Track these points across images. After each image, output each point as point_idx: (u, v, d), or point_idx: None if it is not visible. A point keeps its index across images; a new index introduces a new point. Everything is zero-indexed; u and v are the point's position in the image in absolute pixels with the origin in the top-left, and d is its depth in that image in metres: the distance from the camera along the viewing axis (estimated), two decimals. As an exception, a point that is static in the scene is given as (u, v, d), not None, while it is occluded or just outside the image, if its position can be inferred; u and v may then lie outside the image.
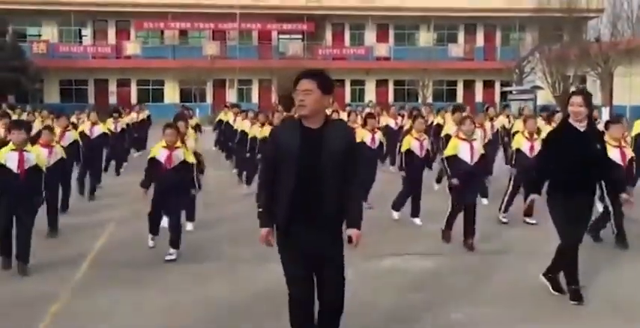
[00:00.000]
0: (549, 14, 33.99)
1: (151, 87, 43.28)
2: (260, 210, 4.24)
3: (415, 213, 9.30)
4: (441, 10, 42.23)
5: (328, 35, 44.22)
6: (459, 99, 42.93)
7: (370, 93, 43.29)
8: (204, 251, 7.79)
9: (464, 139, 8.08)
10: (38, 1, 38.51)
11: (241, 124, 13.54)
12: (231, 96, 42.50)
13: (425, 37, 44.66)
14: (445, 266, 7.13)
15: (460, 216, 7.92)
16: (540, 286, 6.17)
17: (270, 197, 4.15)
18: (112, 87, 42.86)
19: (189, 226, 8.75)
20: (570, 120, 5.74)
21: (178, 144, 7.70)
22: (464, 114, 11.32)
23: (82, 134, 11.82)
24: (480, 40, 45.21)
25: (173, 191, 7.56)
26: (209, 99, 42.44)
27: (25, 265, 6.84)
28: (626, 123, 9.75)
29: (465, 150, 8.01)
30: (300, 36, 43.87)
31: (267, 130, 10.81)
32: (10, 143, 6.99)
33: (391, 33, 44.65)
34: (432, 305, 5.77)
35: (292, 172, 4.00)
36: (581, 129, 5.69)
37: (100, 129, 12.61)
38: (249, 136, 11.88)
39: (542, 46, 35.14)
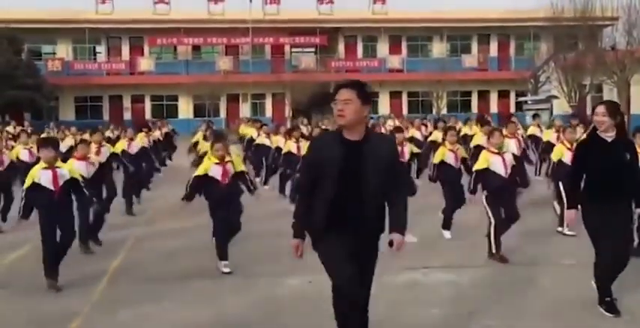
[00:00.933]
0: (564, 23, 33.76)
1: (165, 102, 43.44)
2: (294, 220, 4.22)
3: (448, 225, 9.15)
4: (453, 21, 42.19)
5: (341, 48, 44.25)
6: (474, 109, 42.67)
7: (384, 106, 43.17)
8: (231, 266, 7.63)
9: (495, 153, 7.93)
10: (53, 19, 38.83)
11: (275, 141, 14.00)
12: (245, 110, 42.58)
13: (438, 48, 44.58)
14: (466, 279, 6.99)
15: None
16: (562, 299, 6.03)
17: (306, 210, 4.14)
18: (127, 104, 43.06)
19: None
20: (598, 131, 5.66)
21: (228, 158, 7.68)
22: (490, 125, 11.33)
23: (124, 152, 12.00)
24: (493, 50, 45.04)
25: (230, 201, 7.60)
26: (223, 113, 42.52)
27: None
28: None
29: (498, 164, 7.85)
30: (312, 49, 43.90)
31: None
32: (41, 161, 7.14)
33: (404, 44, 44.58)
34: (452, 318, 5.66)
35: (332, 184, 3.97)
36: (609, 140, 5.62)
37: (138, 143, 12.70)
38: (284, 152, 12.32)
39: (557, 55, 34.87)
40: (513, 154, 8.75)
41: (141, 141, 13.22)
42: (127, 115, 41.58)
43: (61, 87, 39.71)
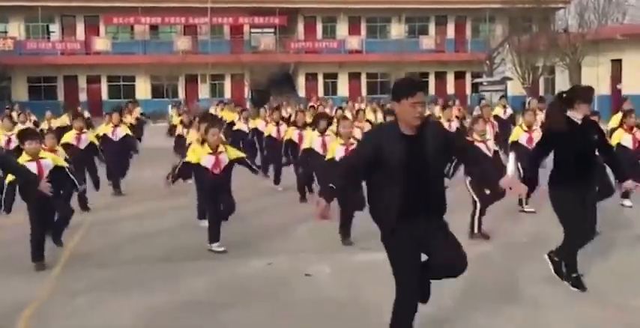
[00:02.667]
0: (518, 6, 34.29)
1: (122, 83, 42.82)
2: (331, 186, 4.37)
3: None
4: (412, 2, 42.39)
5: (300, 28, 44.12)
6: (431, 91, 43.13)
7: (343, 87, 43.36)
8: (189, 250, 7.81)
9: (479, 141, 8.10)
10: (4, -4, 37.89)
11: (254, 123, 14.07)
12: (204, 91, 42.29)
13: (396, 30, 44.79)
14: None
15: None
16: (516, 275, 6.33)
17: (348, 181, 4.51)
18: (82, 84, 42.29)
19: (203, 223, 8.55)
20: (569, 114, 5.81)
21: (222, 148, 7.66)
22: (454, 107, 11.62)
23: (105, 137, 11.84)
24: (450, 31, 45.42)
25: (223, 195, 7.66)
26: (181, 94, 42.17)
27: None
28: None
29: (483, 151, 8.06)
30: (272, 30, 43.69)
31: (291, 131, 11.05)
32: (24, 154, 7.13)
33: (363, 25, 44.66)
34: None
35: (399, 179, 4.17)
36: (579, 122, 5.79)
37: (122, 130, 12.30)
38: (265, 135, 12.35)
39: (512, 37, 35.47)
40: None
41: (126, 128, 12.93)
42: (83, 96, 40.91)
43: (12, 67, 38.82)
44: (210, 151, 7.58)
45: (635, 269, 6.64)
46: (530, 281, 6.24)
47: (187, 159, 7.75)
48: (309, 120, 11.95)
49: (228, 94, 42.36)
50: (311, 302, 5.79)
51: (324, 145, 9.36)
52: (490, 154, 8.08)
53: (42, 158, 7.14)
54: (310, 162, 9.67)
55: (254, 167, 8.19)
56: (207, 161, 7.56)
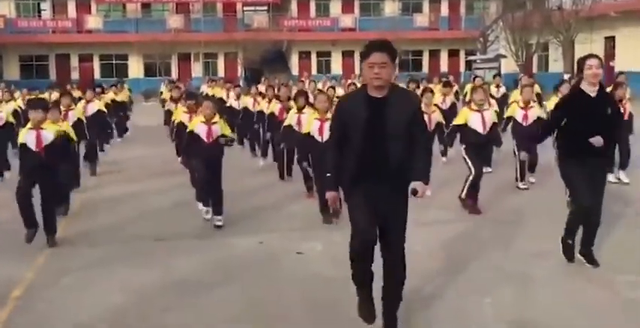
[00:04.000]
0: (512, -17, 34.14)
1: (114, 62, 42.58)
2: (328, 175, 4.39)
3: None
4: (405, -21, 42.14)
5: (293, 6, 43.79)
6: (425, 69, 43.09)
7: (337, 65, 43.19)
8: (179, 227, 7.84)
9: (475, 110, 8.25)
10: (-7, -26, 37.47)
11: (245, 101, 14.00)
12: (197, 69, 42.10)
13: (390, 7, 44.49)
14: (409, 236, 7.25)
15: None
16: (502, 252, 6.42)
17: (338, 164, 4.34)
18: (74, 63, 42.06)
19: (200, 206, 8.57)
20: (583, 86, 5.78)
21: (216, 119, 7.85)
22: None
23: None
24: (444, 9, 45.13)
25: (212, 162, 7.79)
26: (174, 73, 41.96)
27: (53, 236, 7.16)
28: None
29: (477, 121, 8.20)
30: (265, 7, 43.40)
31: (274, 106, 11.07)
32: (29, 123, 7.20)
33: (356, 3, 44.33)
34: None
35: (360, 138, 4.17)
36: (592, 95, 5.74)
37: (95, 106, 12.36)
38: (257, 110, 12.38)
39: (506, 15, 35.33)
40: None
41: (100, 104, 12.94)
42: (75, 75, 40.66)
43: (4, 46, 38.60)
44: (204, 120, 7.79)
45: (621, 246, 6.71)
46: (519, 258, 6.30)
47: (187, 129, 7.99)
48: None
49: (221, 73, 42.17)
50: (302, 279, 5.83)
51: (299, 122, 9.45)
52: (484, 125, 8.15)
53: (42, 129, 7.15)
54: (290, 139, 9.75)
55: (229, 143, 8.19)
56: (200, 129, 7.78)
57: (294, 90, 12.33)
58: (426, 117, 9.16)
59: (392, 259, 4.39)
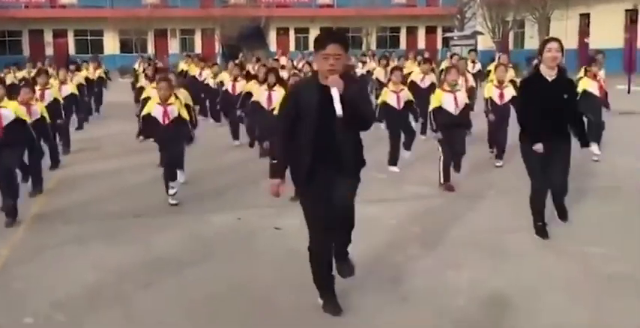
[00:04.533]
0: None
1: (89, 37, 42.05)
2: (274, 161, 4.42)
3: (392, 161, 9.48)
4: (383, -45, 41.85)
5: (271, -18, 43.46)
6: (402, 45, 43.07)
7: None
8: (156, 204, 7.85)
9: (448, 91, 8.27)
10: (-36, -53, 36.61)
11: (221, 78, 13.99)
12: (174, 46, 41.70)
13: (368, -17, 44.29)
14: (390, 212, 7.34)
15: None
16: (481, 227, 6.53)
17: (285, 150, 4.36)
18: (48, 38, 41.49)
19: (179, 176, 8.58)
20: (541, 70, 5.86)
21: (172, 100, 7.83)
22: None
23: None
24: (422, -15, 45.10)
25: (172, 143, 7.85)
26: (150, 49, 41.52)
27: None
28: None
29: (449, 102, 8.23)
30: (242, -17, 42.95)
31: (250, 85, 10.95)
32: None
33: (334, -21, 44.13)
34: (377, 250, 5.97)
35: (311, 127, 4.20)
36: (550, 79, 5.82)
37: (69, 88, 12.11)
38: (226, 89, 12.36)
39: (483, -9, 35.34)
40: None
41: (73, 87, 12.75)
42: (49, 51, 40.12)
43: (-24, 22, 37.86)
44: (159, 102, 7.81)
45: (593, 220, 6.85)
46: (494, 233, 6.41)
47: (142, 113, 8.00)
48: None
49: (198, 49, 41.83)
50: (281, 255, 5.88)
51: (269, 99, 9.45)
52: (456, 105, 8.21)
53: (2, 107, 7.07)
54: (255, 115, 9.75)
55: (191, 135, 8.23)
56: (156, 111, 7.82)
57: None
58: (394, 95, 9.31)
59: (341, 231, 4.53)
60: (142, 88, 13.24)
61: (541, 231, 6.23)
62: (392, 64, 17.44)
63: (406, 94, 9.47)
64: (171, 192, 7.76)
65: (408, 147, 9.70)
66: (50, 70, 14.45)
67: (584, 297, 4.85)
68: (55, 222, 7.22)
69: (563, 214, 6.39)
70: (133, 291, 5.12)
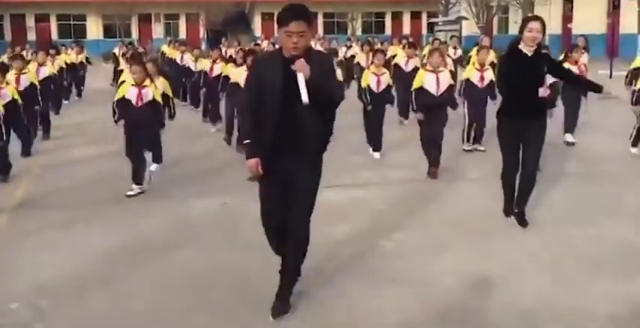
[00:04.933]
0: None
1: (72, 22, 41.58)
2: (247, 141, 4.27)
3: (376, 147, 9.47)
4: (368, -61, 41.64)
5: (256, -34, 43.08)
6: (387, 31, 42.98)
7: (299, 26, 42.68)
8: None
9: (430, 71, 8.26)
10: None
11: (202, 64, 13.78)
12: (158, 31, 41.35)
13: (353, -32, 44.07)
14: (376, 196, 7.39)
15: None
16: (464, 211, 6.59)
17: (255, 127, 4.22)
18: (30, 23, 40.96)
19: (153, 167, 8.62)
20: (520, 46, 5.85)
21: (147, 82, 7.73)
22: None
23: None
24: (407, -30, 44.92)
25: (142, 128, 7.69)
26: (134, 34, 41.17)
27: None
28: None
29: (431, 82, 8.19)
30: (226, -33, 42.54)
31: (228, 68, 10.90)
32: None
33: (319, -37, 43.83)
34: (362, 234, 6.02)
35: (276, 103, 4.09)
36: (529, 54, 5.81)
37: (47, 71, 12.09)
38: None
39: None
40: None
41: (52, 69, 12.71)
42: (32, 35, 39.68)
43: (-44, 6, 37.31)
44: (133, 83, 7.72)
45: (576, 200, 6.95)
46: (477, 215, 6.47)
47: (116, 97, 7.84)
48: None
49: (183, 34, 41.49)
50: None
51: None
52: (438, 86, 8.18)
53: None
54: (234, 96, 9.64)
55: (162, 120, 8.09)
56: (130, 93, 7.70)
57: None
58: (375, 78, 9.30)
59: (295, 225, 4.35)
60: (121, 71, 13.19)
61: (508, 212, 6.29)
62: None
63: (387, 79, 9.47)
64: (130, 193, 7.56)
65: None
66: (28, 55, 14.27)
67: (568, 278, 4.91)
68: (38, 208, 7.19)
69: (523, 199, 6.22)
70: (118, 275, 5.12)
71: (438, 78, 8.23)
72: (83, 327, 4.25)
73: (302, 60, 4.01)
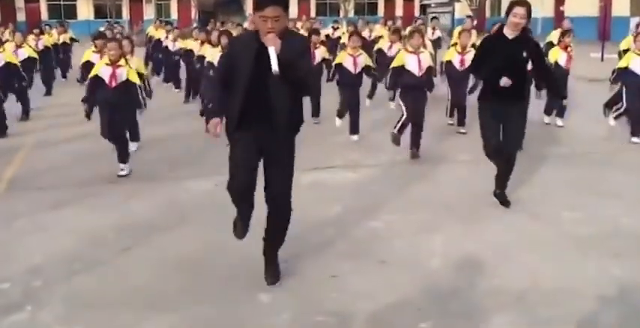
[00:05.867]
0: None
1: (62, 2, 41.21)
2: (210, 104, 4.31)
3: (354, 130, 9.44)
4: None
5: (247, -54, 42.71)
6: (380, 13, 42.77)
7: (292, 8, 42.28)
8: (133, 170, 7.77)
9: (411, 52, 8.27)
10: None
11: (185, 44, 14.00)
12: (149, 11, 41.00)
13: (346, -51, 43.73)
14: (368, 177, 7.41)
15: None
16: (457, 192, 6.62)
17: (221, 96, 4.30)
18: (20, 4, 40.57)
19: (132, 146, 8.59)
20: (505, 30, 5.88)
21: (121, 62, 7.57)
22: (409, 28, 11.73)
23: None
24: (401, -49, 44.68)
25: (117, 109, 7.55)
26: (125, 15, 40.83)
27: None
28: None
29: (413, 63, 8.20)
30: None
31: (205, 48, 10.83)
32: None
33: (312, -56, 43.52)
34: (354, 214, 6.04)
35: (246, 76, 4.13)
36: (510, 37, 5.84)
37: (25, 52, 12.01)
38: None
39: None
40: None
41: (29, 50, 12.58)
42: (21, 16, 39.34)
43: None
44: (108, 62, 7.56)
45: (566, 184, 6.98)
46: (469, 197, 6.50)
47: (90, 74, 7.69)
48: None
49: (174, 15, 41.24)
50: (256, 220, 5.93)
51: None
52: (420, 67, 8.17)
53: None
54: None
55: (141, 101, 7.90)
56: (103, 72, 7.54)
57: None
58: (350, 59, 9.28)
59: (276, 207, 4.39)
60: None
61: (502, 199, 6.30)
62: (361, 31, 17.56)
63: (364, 59, 9.41)
64: (121, 173, 7.54)
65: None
66: (5, 35, 14.08)
67: (555, 259, 4.95)
68: (29, 189, 7.17)
69: (502, 190, 6.28)
70: (109, 256, 5.12)
71: (419, 58, 8.24)
72: (75, 308, 4.25)
73: (273, 34, 4.03)
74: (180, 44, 14.58)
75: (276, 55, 3.99)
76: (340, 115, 9.68)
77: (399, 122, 8.25)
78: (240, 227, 4.58)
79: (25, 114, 11.66)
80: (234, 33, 12.16)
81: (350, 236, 5.50)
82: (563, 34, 10.21)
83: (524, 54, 5.91)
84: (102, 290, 4.53)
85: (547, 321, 4.00)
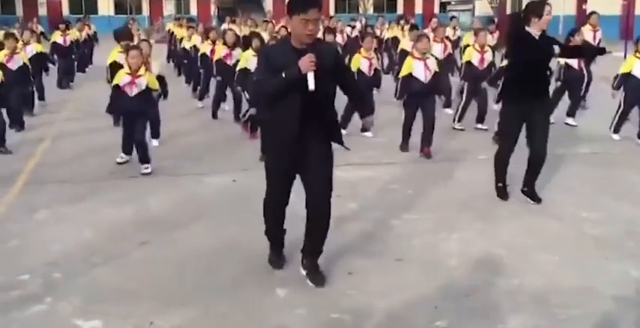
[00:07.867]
0: None
1: (83, -3, 41.48)
2: (255, 110, 4.31)
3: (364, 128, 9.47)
4: None
5: (268, -58, 42.73)
6: (399, 10, 42.61)
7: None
8: (152, 165, 7.74)
9: (418, 58, 8.25)
10: None
11: (194, 42, 14.03)
12: (169, 7, 41.17)
13: (366, -54, 43.59)
14: (386, 175, 7.38)
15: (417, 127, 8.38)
16: (477, 191, 6.59)
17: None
18: (42, -2, 40.91)
19: (154, 142, 8.77)
20: (529, 29, 5.88)
21: (141, 71, 7.57)
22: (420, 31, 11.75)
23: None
24: (421, -52, 44.46)
25: (138, 117, 7.59)
26: (145, 11, 41.03)
27: None
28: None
29: (420, 69, 8.19)
30: (238, -57, 42.18)
31: (221, 49, 10.78)
32: None
33: (332, -59, 43.43)
34: (371, 213, 6.03)
35: (297, 91, 4.05)
36: (537, 36, 5.87)
37: (33, 49, 11.89)
38: (200, 53, 12.15)
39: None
40: (437, 58, 9.05)
41: (38, 47, 12.60)
42: (43, 11, 39.64)
43: (-32, -20, 37.23)
44: (129, 72, 7.56)
45: (584, 184, 6.92)
46: (486, 196, 6.46)
47: (113, 83, 7.75)
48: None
49: (194, 11, 41.37)
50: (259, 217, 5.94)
51: (229, 57, 9.66)
52: (426, 73, 8.16)
53: None
54: (245, 83, 9.44)
55: (165, 90, 8.13)
56: (124, 81, 7.54)
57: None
58: (366, 61, 9.23)
59: (317, 211, 4.39)
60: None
61: (502, 192, 6.36)
62: (377, 30, 17.59)
63: (374, 63, 9.43)
64: (145, 171, 7.54)
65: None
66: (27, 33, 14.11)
67: (573, 259, 4.91)
68: (49, 182, 7.23)
69: (532, 179, 6.28)
70: (128, 249, 5.15)
71: (426, 64, 8.23)
72: (93, 300, 4.29)
73: (306, 58, 3.99)
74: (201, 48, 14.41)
75: (314, 76, 4.01)
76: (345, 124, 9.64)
77: (402, 132, 8.48)
78: (275, 254, 4.73)
79: (30, 112, 11.38)
80: (260, 30, 12.18)
81: (367, 233, 5.49)
82: (572, 33, 10.04)
83: (553, 51, 5.94)
84: (120, 283, 4.56)
85: (565, 322, 3.97)
